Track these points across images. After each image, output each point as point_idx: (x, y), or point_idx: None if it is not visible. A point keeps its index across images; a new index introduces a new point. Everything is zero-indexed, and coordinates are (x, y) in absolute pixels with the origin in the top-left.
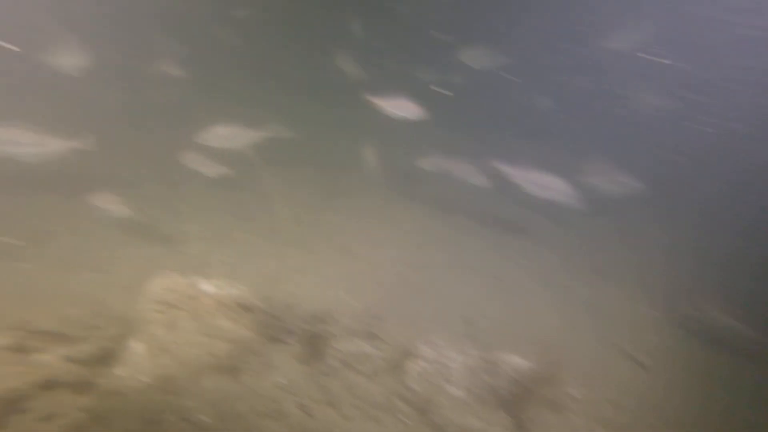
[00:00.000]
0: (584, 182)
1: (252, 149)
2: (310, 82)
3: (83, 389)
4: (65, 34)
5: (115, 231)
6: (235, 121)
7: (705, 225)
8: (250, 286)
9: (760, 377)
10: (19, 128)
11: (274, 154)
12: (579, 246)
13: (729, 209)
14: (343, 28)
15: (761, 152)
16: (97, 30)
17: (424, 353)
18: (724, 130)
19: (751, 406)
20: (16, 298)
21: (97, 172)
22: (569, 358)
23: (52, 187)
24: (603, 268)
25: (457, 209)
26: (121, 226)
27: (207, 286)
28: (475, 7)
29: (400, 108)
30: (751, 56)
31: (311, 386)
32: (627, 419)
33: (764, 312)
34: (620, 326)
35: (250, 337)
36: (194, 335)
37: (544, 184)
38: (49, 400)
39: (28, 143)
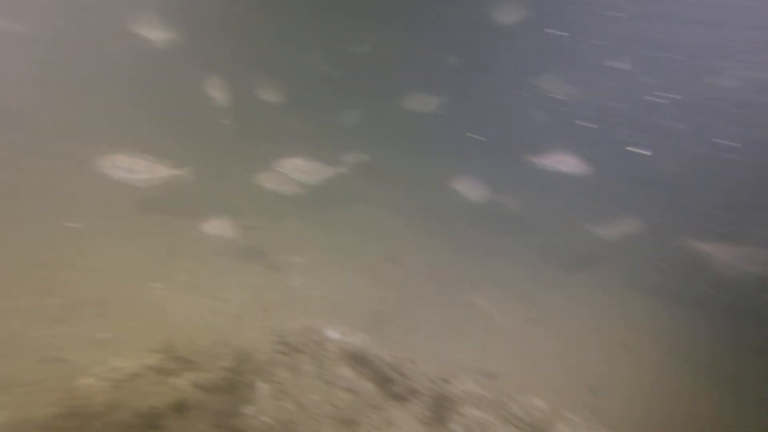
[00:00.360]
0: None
1: (351, 183)
2: (409, 116)
3: (209, 417)
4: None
5: (226, 258)
6: (335, 155)
7: None
8: (357, 327)
9: None
10: (134, 156)
11: (373, 190)
12: (726, 317)
13: None
14: (444, 65)
15: None
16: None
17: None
18: None
19: None
20: (156, 320)
21: (202, 199)
22: None
23: (165, 211)
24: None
25: (579, 264)
26: (229, 253)
27: (331, 333)
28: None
29: (564, 164)
30: None
31: None
32: None
33: None
34: None
35: (371, 389)
36: (316, 381)
37: (700, 249)
38: (179, 422)
39: (140, 170)
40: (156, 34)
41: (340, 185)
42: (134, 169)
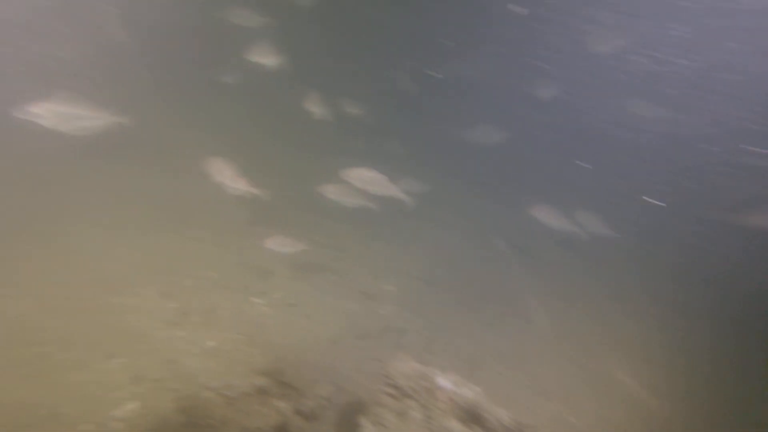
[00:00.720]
0: None
1: (434, 209)
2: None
3: None
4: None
5: (318, 278)
6: (417, 178)
7: None
8: (450, 366)
9: None
10: (233, 170)
11: (464, 220)
12: None
13: None
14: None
15: None
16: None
17: None
18: None
19: None
20: (257, 334)
21: (294, 218)
22: None
23: (260, 226)
24: None
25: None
26: (321, 274)
27: (443, 381)
28: None
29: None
30: None
31: None
32: None
33: None
34: None
35: None
36: (422, 430)
37: None
38: None
39: (228, 178)
40: (267, 59)
41: (425, 211)
42: (224, 174)
